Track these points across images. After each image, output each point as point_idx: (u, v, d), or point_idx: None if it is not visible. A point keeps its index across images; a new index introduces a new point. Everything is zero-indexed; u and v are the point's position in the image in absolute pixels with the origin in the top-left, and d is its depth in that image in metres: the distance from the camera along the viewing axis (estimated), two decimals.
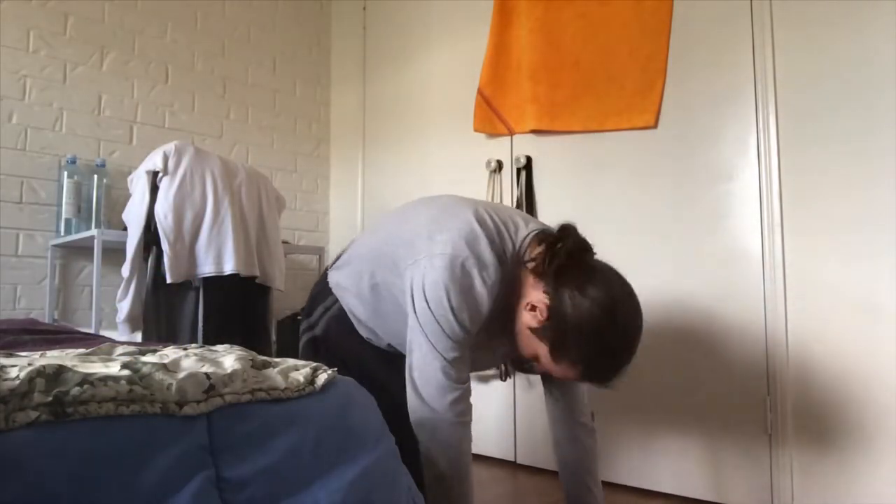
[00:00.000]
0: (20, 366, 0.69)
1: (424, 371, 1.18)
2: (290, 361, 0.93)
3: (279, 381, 0.84)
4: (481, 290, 1.15)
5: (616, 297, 1.14)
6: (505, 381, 2.25)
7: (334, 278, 1.44)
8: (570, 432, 1.42)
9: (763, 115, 1.78)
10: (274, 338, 2.55)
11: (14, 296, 2.36)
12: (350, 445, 0.86)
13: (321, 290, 1.48)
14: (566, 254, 1.15)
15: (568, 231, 1.20)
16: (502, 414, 2.30)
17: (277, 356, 1.06)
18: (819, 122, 1.69)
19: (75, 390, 0.65)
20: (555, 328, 1.13)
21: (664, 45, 1.97)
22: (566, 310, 1.11)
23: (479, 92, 2.40)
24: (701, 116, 1.89)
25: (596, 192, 2.11)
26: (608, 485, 2.01)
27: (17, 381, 0.63)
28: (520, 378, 2.26)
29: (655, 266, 1.96)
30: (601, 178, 2.10)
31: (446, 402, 1.17)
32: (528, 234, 1.23)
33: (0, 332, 1.31)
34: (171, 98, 2.77)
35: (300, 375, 0.87)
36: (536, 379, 2.21)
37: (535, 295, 1.16)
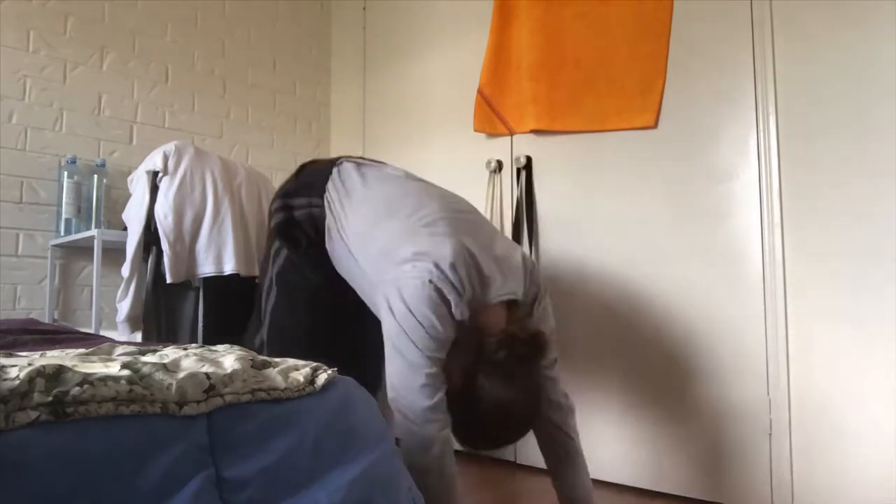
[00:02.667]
0: (20, 366, 0.69)
1: (405, 378, 1.23)
2: (290, 361, 0.93)
3: (279, 381, 0.84)
4: (451, 311, 1.24)
5: (513, 409, 1.28)
6: None
7: (335, 185, 1.49)
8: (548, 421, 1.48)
9: (763, 115, 1.78)
10: None
11: (14, 296, 2.36)
12: (350, 445, 0.86)
13: (318, 181, 1.52)
14: (508, 353, 1.25)
15: (531, 338, 1.28)
16: None
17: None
18: (819, 122, 1.68)
19: (75, 390, 0.65)
20: (461, 395, 1.25)
21: (664, 45, 1.97)
22: (474, 389, 1.25)
23: (479, 92, 2.40)
24: (701, 116, 1.89)
25: (596, 191, 2.11)
26: (608, 485, 2.01)
27: (17, 381, 0.63)
28: None
29: (655, 266, 1.96)
30: (601, 177, 2.10)
31: (427, 408, 1.23)
32: (499, 297, 1.30)
33: (0, 332, 1.31)
34: (171, 98, 2.77)
35: (300, 375, 0.87)
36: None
37: (467, 359, 1.27)
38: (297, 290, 1.55)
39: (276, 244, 1.58)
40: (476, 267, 1.28)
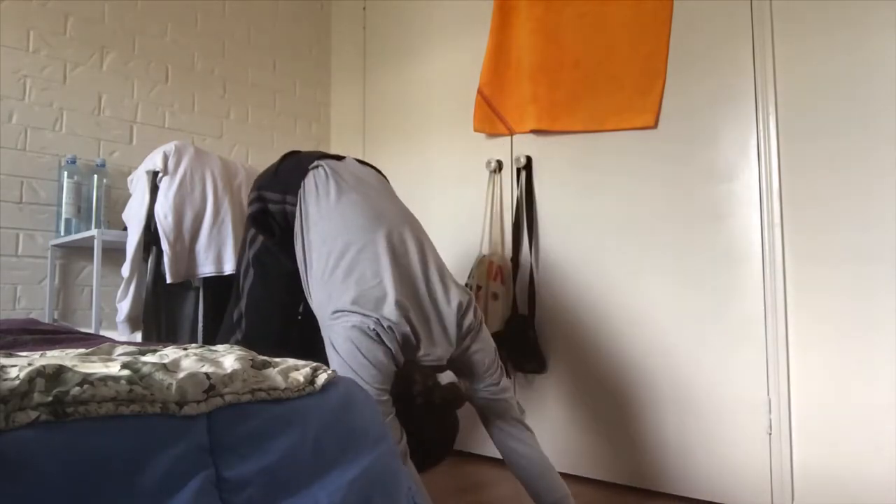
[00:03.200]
0: (20, 366, 0.69)
1: None
2: (290, 361, 0.93)
3: (279, 381, 0.84)
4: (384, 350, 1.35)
5: (427, 447, 1.40)
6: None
7: (309, 187, 1.57)
8: (512, 434, 1.55)
9: (763, 115, 1.78)
10: None
11: (14, 296, 2.36)
12: (350, 445, 0.86)
13: (294, 179, 1.59)
14: (423, 402, 1.41)
15: (447, 391, 1.44)
16: None
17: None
18: (819, 122, 1.68)
19: (75, 390, 0.65)
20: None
21: (664, 45, 1.97)
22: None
23: (479, 92, 2.40)
24: (701, 116, 1.89)
25: (596, 191, 2.11)
26: (608, 485, 2.01)
27: (17, 381, 0.63)
28: (519, 378, 2.26)
29: (655, 266, 1.96)
30: (601, 177, 2.10)
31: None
32: (425, 361, 1.43)
33: (0, 332, 1.31)
34: (171, 98, 2.77)
35: (300, 375, 0.87)
36: (536, 378, 2.21)
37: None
38: (271, 272, 1.64)
39: (252, 231, 1.66)
40: (410, 329, 1.37)
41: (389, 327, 1.33)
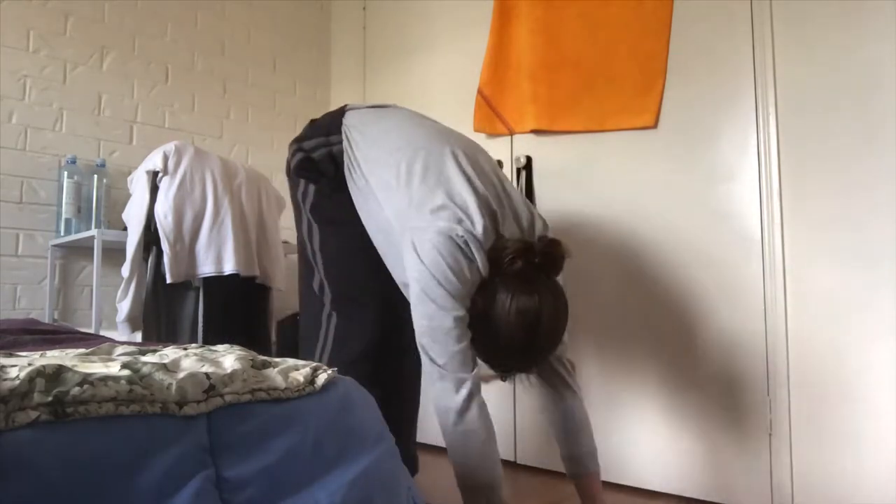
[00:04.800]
0: (20, 366, 0.69)
1: (434, 319, 1.26)
2: (290, 361, 0.93)
3: (279, 381, 0.84)
4: (468, 263, 1.27)
5: (539, 317, 1.26)
6: (505, 380, 2.24)
7: (350, 122, 1.50)
8: (555, 394, 1.51)
9: (763, 115, 1.78)
10: (274, 338, 2.55)
11: (14, 296, 2.36)
12: (350, 445, 0.86)
13: (333, 122, 1.53)
14: (525, 262, 1.27)
15: (546, 245, 1.31)
16: (502, 414, 2.30)
17: (277, 356, 1.06)
18: (819, 122, 1.68)
19: (75, 390, 0.65)
20: (480, 313, 1.28)
21: (664, 45, 1.97)
22: (495, 304, 1.26)
23: (479, 92, 2.40)
24: (701, 116, 1.89)
25: (596, 191, 2.11)
26: (608, 485, 2.01)
27: (17, 381, 0.63)
28: (520, 378, 2.26)
29: (655, 266, 1.96)
30: (601, 177, 2.10)
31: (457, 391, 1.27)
32: (513, 237, 1.33)
33: (0, 332, 1.31)
34: (171, 98, 2.77)
35: (300, 375, 0.87)
36: (536, 379, 2.21)
37: (485, 284, 1.29)
38: (336, 218, 1.54)
39: (301, 184, 1.57)
40: (494, 220, 1.32)
41: (478, 239, 1.26)
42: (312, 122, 1.63)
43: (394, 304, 1.46)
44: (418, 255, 1.27)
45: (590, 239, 2.10)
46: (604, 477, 2.03)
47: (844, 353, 1.62)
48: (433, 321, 1.27)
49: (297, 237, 1.63)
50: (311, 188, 1.55)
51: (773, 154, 1.75)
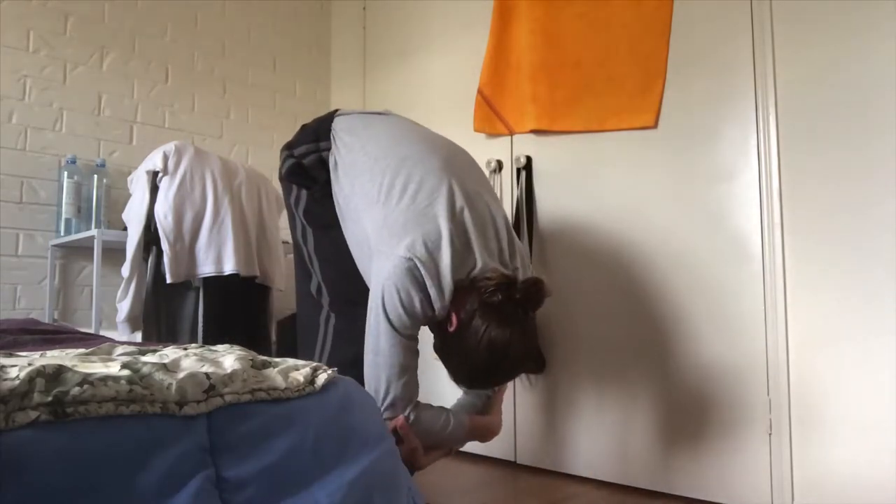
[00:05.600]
0: (20, 366, 0.69)
1: (378, 367, 1.33)
2: (290, 361, 0.93)
3: (279, 381, 0.84)
4: (422, 299, 1.30)
5: (507, 351, 1.30)
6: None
7: (340, 126, 1.52)
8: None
9: (763, 115, 1.78)
10: (274, 338, 2.55)
11: (14, 296, 2.36)
12: (350, 445, 0.86)
13: (322, 126, 1.55)
14: (505, 297, 1.29)
15: (530, 284, 1.33)
16: (502, 414, 2.30)
17: (277, 356, 1.06)
18: (819, 122, 1.68)
19: (75, 390, 0.65)
20: (455, 332, 1.32)
21: (664, 45, 1.97)
22: (469, 329, 1.29)
23: (479, 92, 2.40)
24: (701, 116, 1.89)
25: (596, 192, 2.11)
26: (608, 485, 2.01)
27: (17, 381, 0.63)
28: (519, 378, 2.26)
29: (655, 266, 1.96)
30: (601, 178, 2.10)
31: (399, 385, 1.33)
32: (493, 267, 1.35)
33: (0, 332, 1.31)
34: (171, 98, 2.77)
35: (300, 375, 0.87)
36: (536, 379, 2.21)
37: (464, 308, 1.31)
38: (330, 223, 1.54)
39: (293, 189, 1.58)
40: (468, 248, 1.34)
41: (439, 273, 1.28)
42: (303, 127, 1.64)
43: None
44: (377, 284, 1.31)
45: (589, 239, 2.10)
46: (604, 477, 2.03)
47: (845, 354, 1.62)
48: (378, 356, 1.33)
49: (293, 241, 1.64)
50: (304, 193, 1.57)
51: (773, 154, 1.75)
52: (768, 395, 1.73)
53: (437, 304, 1.30)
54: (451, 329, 1.33)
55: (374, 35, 3.03)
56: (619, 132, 2.06)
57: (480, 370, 1.33)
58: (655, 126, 1.98)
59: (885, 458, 1.54)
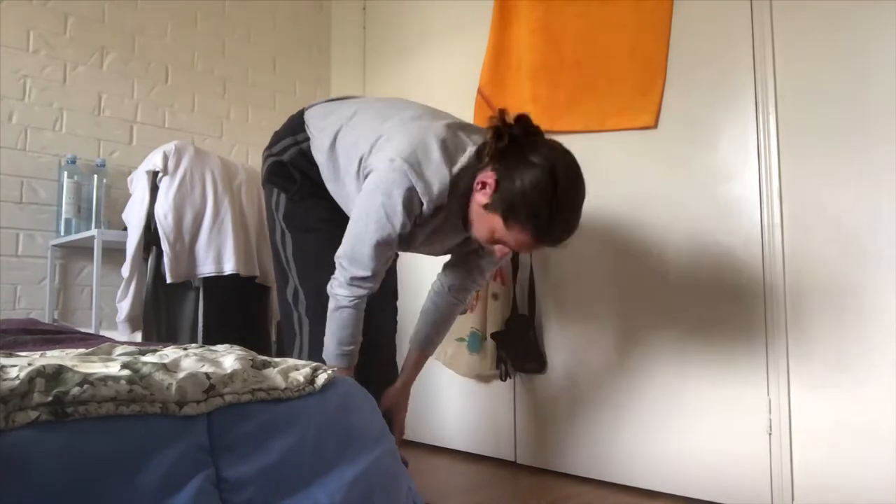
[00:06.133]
0: (20, 366, 0.69)
1: (355, 248, 1.36)
2: (290, 361, 0.93)
3: (279, 381, 0.84)
4: (407, 203, 1.30)
5: (557, 161, 1.29)
6: (505, 381, 2.25)
7: (312, 114, 1.57)
8: (443, 299, 1.63)
9: (763, 115, 1.78)
10: (274, 338, 2.55)
11: (14, 296, 2.36)
12: (350, 445, 0.86)
13: (296, 121, 1.59)
14: (509, 136, 1.28)
15: (516, 119, 1.32)
16: (502, 414, 2.30)
17: (277, 356, 1.06)
18: (819, 123, 1.68)
19: (75, 390, 0.65)
20: (503, 195, 1.27)
21: (664, 45, 1.97)
22: (512, 176, 1.26)
23: (479, 92, 2.40)
24: (701, 116, 1.89)
25: (596, 191, 2.10)
26: (608, 485, 2.01)
27: (17, 381, 0.63)
28: (520, 378, 2.26)
29: (655, 266, 1.96)
30: (601, 177, 2.10)
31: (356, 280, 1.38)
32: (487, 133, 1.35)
33: (0, 332, 1.31)
34: (171, 98, 2.77)
35: (300, 375, 0.87)
36: (536, 379, 2.21)
37: (484, 175, 1.30)
38: (309, 227, 1.56)
39: (274, 192, 1.59)
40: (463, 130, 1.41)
41: (428, 180, 1.29)
42: (275, 132, 1.67)
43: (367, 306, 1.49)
44: (366, 191, 1.34)
45: (589, 239, 2.10)
46: (604, 476, 2.03)
47: (844, 353, 1.62)
48: (355, 249, 1.36)
49: (271, 246, 1.66)
50: (283, 197, 1.58)
51: (773, 154, 1.75)
52: (768, 395, 1.73)
53: (424, 199, 1.29)
54: (489, 196, 1.28)
55: (374, 35, 3.03)
56: (619, 132, 2.06)
57: (551, 197, 1.25)
58: (655, 126, 1.98)
59: (884, 458, 1.54)
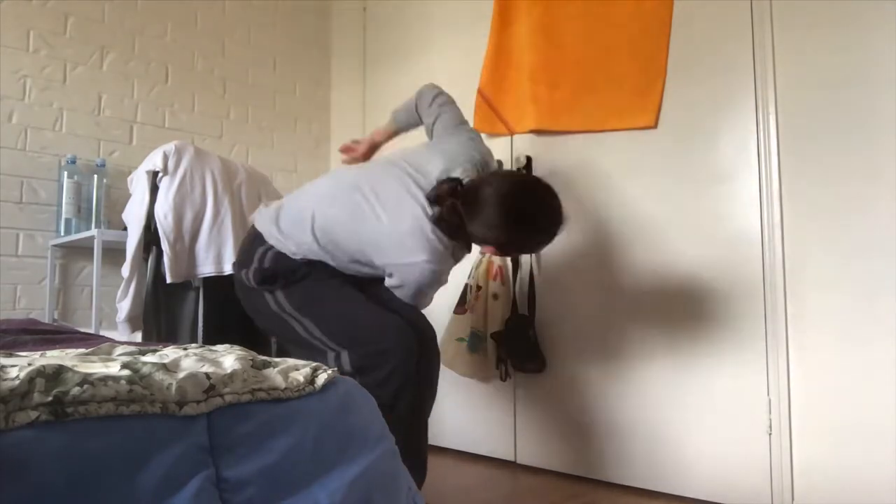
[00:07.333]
0: (20, 366, 0.69)
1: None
2: (290, 361, 0.93)
3: (279, 381, 0.84)
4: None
5: (505, 189, 1.48)
6: (505, 381, 2.25)
7: (266, 228, 1.61)
8: None
9: (763, 115, 1.78)
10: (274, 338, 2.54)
11: (14, 296, 2.35)
12: (350, 445, 0.86)
13: (255, 239, 1.62)
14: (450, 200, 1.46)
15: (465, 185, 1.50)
16: (502, 414, 2.30)
17: (277, 356, 1.06)
18: (819, 123, 1.68)
19: (75, 390, 0.65)
20: (478, 239, 1.50)
21: (664, 45, 1.97)
22: (473, 221, 1.45)
23: (479, 92, 2.39)
24: (701, 116, 1.89)
25: (596, 192, 2.11)
26: (608, 485, 2.01)
27: (17, 381, 0.63)
28: (520, 378, 2.26)
29: (655, 266, 1.96)
30: (601, 177, 2.10)
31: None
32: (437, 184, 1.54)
33: (0, 332, 1.31)
34: (171, 98, 2.77)
35: (300, 375, 0.87)
36: (536, 379, 2.21)
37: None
38: (296, 281, 1.59)
39: (267, 296, 1.59)
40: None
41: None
42: (239, 250, 1.72)
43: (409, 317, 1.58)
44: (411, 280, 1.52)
45: (589, 238, 2.10)
46: (604, 476, 2.03)
47: (845, 353, 1.62)
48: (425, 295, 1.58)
49: (273, 329, 1.70)
50: (279, 294, 1.58)
51: (773, 154, 1.75)
52: (768, 394, 1.73)
53: (447, 266, 1.54)
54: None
55: (374, 35, 3.03)
56: (619, 132, 2.06)
57: (513, 231, 1.46)
58: (655, 126, 1.98)
59: (884, 458, 1.54)
